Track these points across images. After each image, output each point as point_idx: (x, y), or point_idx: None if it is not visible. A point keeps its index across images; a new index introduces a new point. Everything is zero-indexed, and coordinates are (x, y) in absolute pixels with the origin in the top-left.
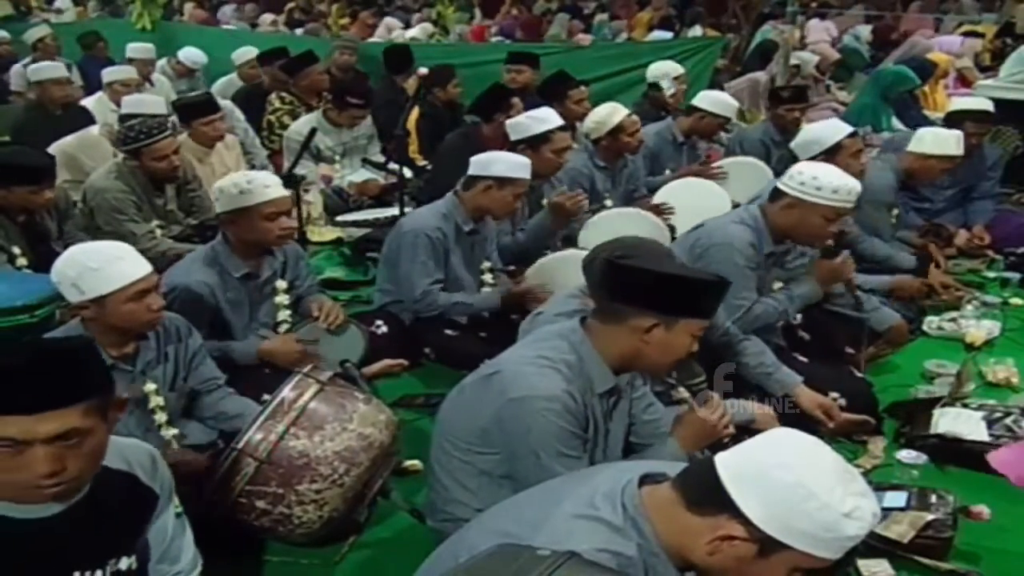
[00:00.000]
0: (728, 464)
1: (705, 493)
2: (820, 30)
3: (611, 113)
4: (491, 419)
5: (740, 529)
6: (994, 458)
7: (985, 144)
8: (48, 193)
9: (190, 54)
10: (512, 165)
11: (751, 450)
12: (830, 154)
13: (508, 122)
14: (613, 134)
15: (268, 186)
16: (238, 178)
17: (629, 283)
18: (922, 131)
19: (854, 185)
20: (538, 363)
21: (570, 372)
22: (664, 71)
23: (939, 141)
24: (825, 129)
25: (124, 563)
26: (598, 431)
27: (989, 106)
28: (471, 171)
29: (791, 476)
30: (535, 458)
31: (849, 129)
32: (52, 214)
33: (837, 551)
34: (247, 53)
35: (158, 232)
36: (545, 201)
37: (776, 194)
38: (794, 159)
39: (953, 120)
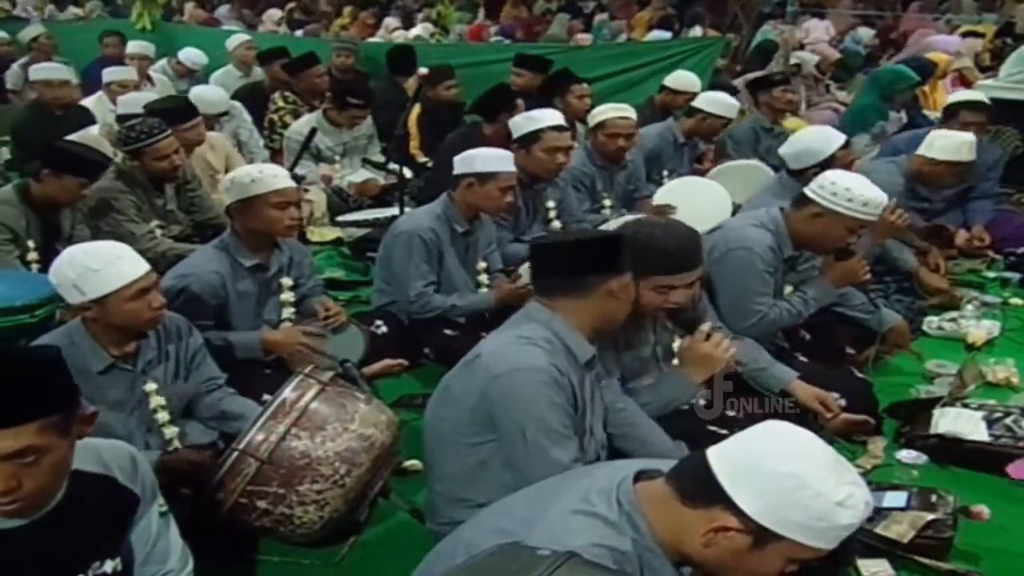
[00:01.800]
0: (720, 456)
1: (698, 486)
2: (820, 30)
3: (607, 109)
4: (478, 399)
5: (734, 520)
6: (1015, 470)
7: (983, 142)
8: (85, 191)
9: (190, 54)
10: (491, 159)
11: (743, 442)
12: (824, 167)
13: (510, 121)
14: (594, 129)
15: (277, 176)
16: (249, 168)
17: (592, 254)
18: (932, 135)
19: (883, 198)
20: (518, 342)
21: (551, 347)
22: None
23: (949, 147)
24: (818, 140)
25: (108, 566)
26: (587, 405)
27: (983, 97)
28: (455, 170)
29: (783, 466)
30: (522, 434)
31: (842, 140)
32: (68, 213)
33: (831, 541)
34: (239, 38)
35: (158, 232)
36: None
37: (803, 201)
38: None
39: (949, 112)
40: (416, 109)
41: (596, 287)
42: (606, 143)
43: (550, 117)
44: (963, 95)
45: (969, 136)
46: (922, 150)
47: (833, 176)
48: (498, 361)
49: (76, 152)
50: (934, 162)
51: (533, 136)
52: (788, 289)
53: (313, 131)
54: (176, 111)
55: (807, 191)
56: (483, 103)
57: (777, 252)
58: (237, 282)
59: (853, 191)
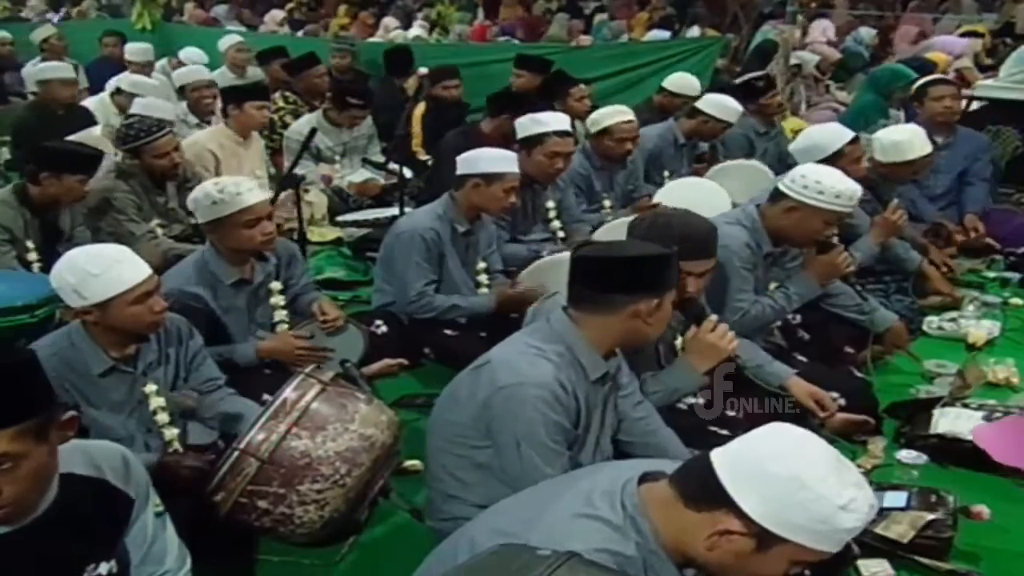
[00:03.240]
0: (724, 459)
1: (702, 489)
2: (817, 31)
3: (609, 114)
4: (481, 407)
5: (737, 523)
6: (979, 435)
7: (968, 132)
8: (86, 187)
9: (191, 54)
10: (496, 160)
11: (746, 445)
12: (831, 161)
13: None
14: (599, 135)
15: (240, 193)
16: (209, 187)
17: (622, 273)
18: (875, 138)
19: (856, 189)
20: (528, 352)
21: (561, 360)
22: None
23: (896, 148)
24: (826, 135)
25: (104, 568)
26: (592, 420)
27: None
28: (459, 171)
29: (785, 469)
30: (516, 448)
31: (850, 135)
32: (67, 213)
33: (835, 544)
34: (231, 39)
35: (159, 231)
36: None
37: (777, 195)
38: (779, 151)
39: (919, 94)
40: (421, 107)
41: (622, 307)
42: (613, 147)
43: (556, 121)
44: (928, 78)
45: (913, 127)
46: (875, 155)
47: (804, 169)
48: (505, 372)
49: (70, 150)
50: (880, 164)
51: (537, 139)
52: (774, 285)
53: (313, 131)
54: (249, 89)
55: (779, 185)
56: (495, 97)
57: (754, 248)
58: (220, 299)
59: (824, 183)
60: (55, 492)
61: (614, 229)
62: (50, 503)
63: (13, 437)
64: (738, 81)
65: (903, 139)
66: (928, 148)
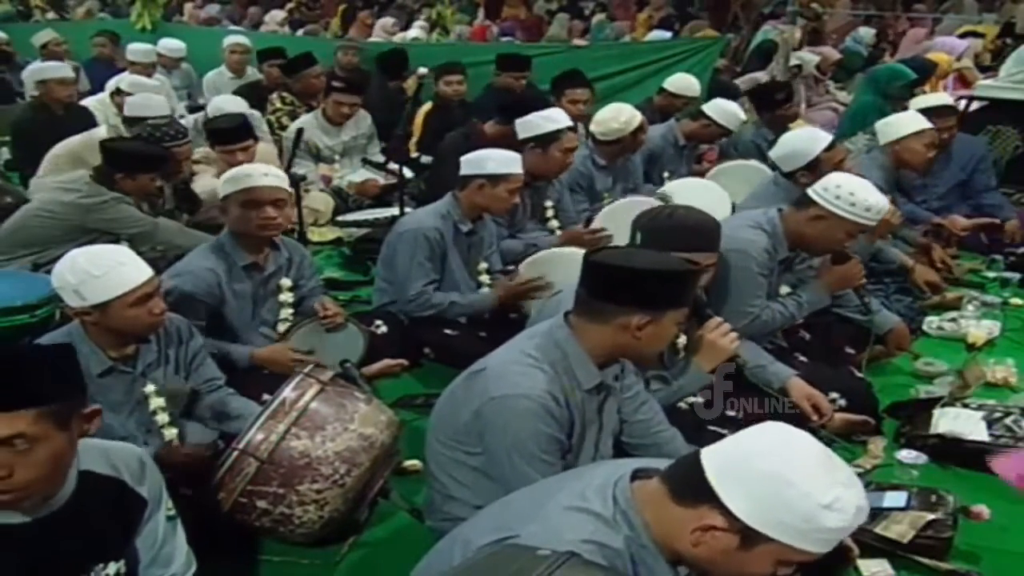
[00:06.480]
0: (712, 455)
1: (689, 484)
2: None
3: (632, 116)
4: (473, 416)
5: (720, 520)
6: (997, 464)
7: (964, 136)
8: (156, 183)
9: (168, 44)
10: (503, 161)
11: (735, 442)
12: (811, 168)
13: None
14: (635, 134)
15: (250, 175)
16: (233, 169)
17: (612, 282)
18: (878, 126)
19: (885, 204)
20: (523, 362)
21: (553, 371)
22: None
23: (903, 123)
24: (803, 142)
25: (112, 568)
26: (588, 428)
27: (950, 100)
28: (463, 171)
29: (771, 465)
30: (508, 459)
31: (827, 141)
32: None
33: (820, 544)
34: (230, 39)
35: None
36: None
37: (805, 202)
38: None
39: None
40: (427, 106)
41: (612, 317)
42: (643, 139)
43: (564, 118)
44: (929, 100)
45: (913, 111)
46: (882, 141)
47: (838, 179)
48: (498, 383)
49: (143, 150)
50: (899, 140)
51: (553, 136)
52: (785, 290)
53: (300, 131)
54: (229, 131)
55: (811, 193)
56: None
57: (772, 254)
58: (233, 282)
59: (857, 195)
60: (73, 488)
61: (608, 216)
62: (67, 498)
63: (34, 419)
64: (758, 85)
65: (907, 115)
66: (926, 124)
